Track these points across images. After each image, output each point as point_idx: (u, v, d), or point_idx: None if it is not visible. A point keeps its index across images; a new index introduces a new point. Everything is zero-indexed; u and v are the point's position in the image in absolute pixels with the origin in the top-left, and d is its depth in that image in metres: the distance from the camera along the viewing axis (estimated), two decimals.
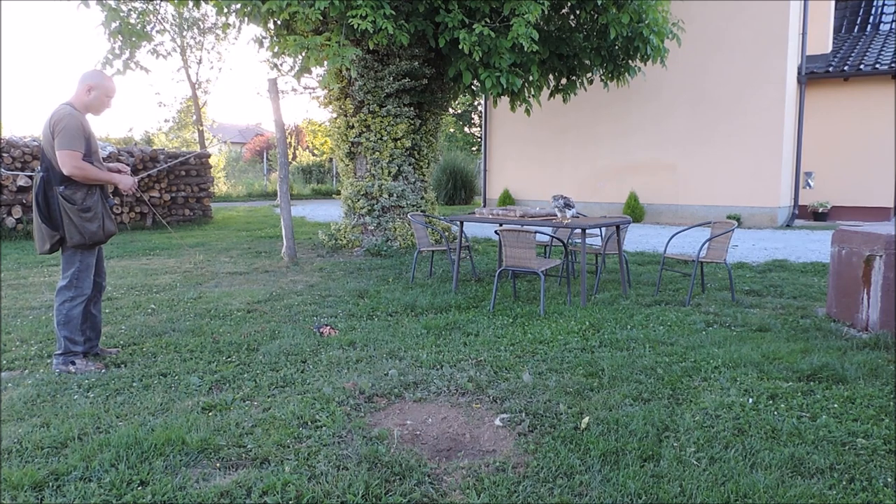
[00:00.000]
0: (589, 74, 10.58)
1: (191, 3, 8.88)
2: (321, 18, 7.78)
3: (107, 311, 5.60)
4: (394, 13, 7.49)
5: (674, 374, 3.92)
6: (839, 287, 5.15)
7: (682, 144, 14.15)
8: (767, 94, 13.08)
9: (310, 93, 10.98)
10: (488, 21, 8.22)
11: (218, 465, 2.79)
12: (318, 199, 23.29)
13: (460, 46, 7.70)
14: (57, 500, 2.50)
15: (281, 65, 10.20)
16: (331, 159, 26.58)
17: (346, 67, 7.56)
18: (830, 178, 14.58)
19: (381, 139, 9.34)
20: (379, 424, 3.24)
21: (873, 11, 17.36)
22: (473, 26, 7.68)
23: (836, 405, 3.42)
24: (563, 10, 9.67)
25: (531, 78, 9.35)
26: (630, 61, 10.07)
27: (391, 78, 9.08)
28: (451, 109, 17.71)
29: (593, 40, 9.66)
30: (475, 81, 9.26)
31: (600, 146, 15.17)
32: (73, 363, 4.03)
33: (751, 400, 3.50)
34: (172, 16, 22.45)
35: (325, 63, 7.57)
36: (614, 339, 4.72)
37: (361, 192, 9.45)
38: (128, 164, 12.31)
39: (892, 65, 13.72)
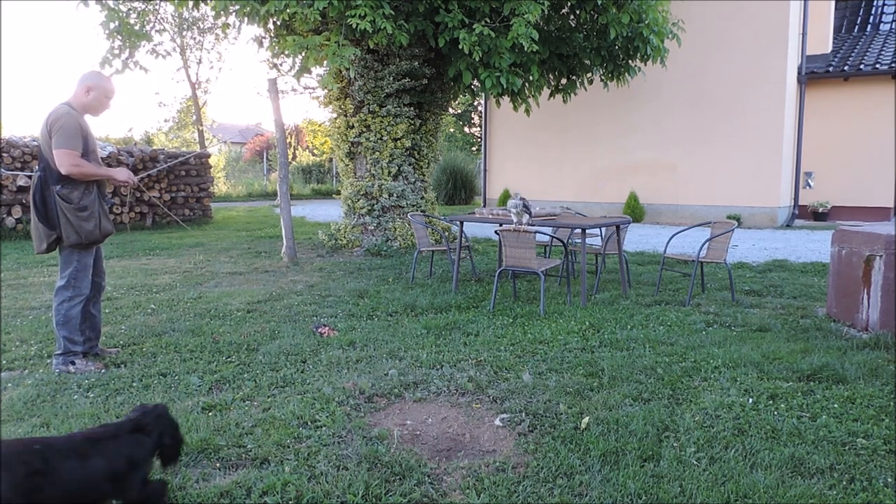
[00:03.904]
0: (589, 74, 10.58)
1: (190, 4, 8.87)
2: (320, 18, 7.78)
3: (107, 311, 5.60)
4: (393, 13, 7.49)
5: (674, 374, 3.92)
6: (839, 287, 5.15)
7: (682, 144, 14.15)
8: (767, 94, 13.08)
9: (310, 93, 10.99)
10: (488, 21, 8.22)
11: (218, 465, 2.79)
12: (318, 199, 23.29)
13: (460, 46, 7.70)
14: None
15: (281, 65, 10.20)
16: (331, 159, 26.58)
17: (345, 67, 7.56)
18: (830, 178, 14.58)
19: (381, 139, 9.33)
20: (379, 424, 3.24)
21: (873, 11, 17.37)
22: (473, 26, 7.67)
23: (836, 405, 3.42)
24: (563, 10, 9.67)
25: (531, 78, 9.35)
26: (630, 61, 10.07)
27: (391, 78, 9.08)
28: (451, 109, 17.71)
29: (593, 40, 9.66)
30: (475, 81, 9.26)
31: (600, 146, 15.17)
32: (73, 363, 4.02)
33: (751, 400, 3.50)
34: (172, 16, 22.45)
35: (325, 63, 7.57)
36: (614, 339, 4.72)
37: (361, 192, 9.45)
38: (128, 164, 12.34)
39: (892, 65, 13.72)
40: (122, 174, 4.21)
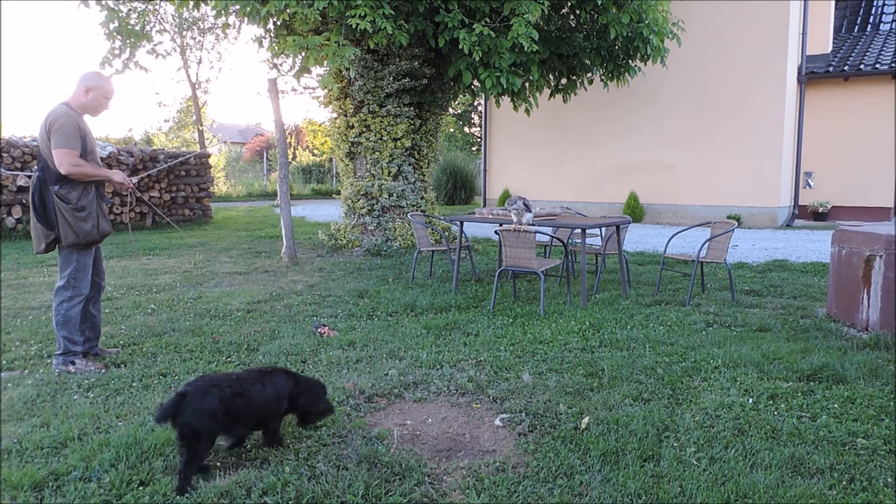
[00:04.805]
0: (589, 74, 10.58)
1: (191, 4, 8.87)
2: (320, 18, 7.78)
3: (107, 311, 5.60)
4: (393, 13, 7.49)
5: (674, 374, 3.92)
6: (839, 287, 5.15)
7: (682, 144, 14.15)
8: (767, 94, 13.08)
9: (310, 93, 11.00)
10: (488, 21, 8.22)
11: (218, 465, 2.79)
12: (318, 199, 23.29)
13: (460, 46, 7.70)
14: (57, 500, 2.50)
15: (281, 65, 10.21)
16: (331, 159, 26.58)
17: (345, 67, 7.56)
18: (830, 178, 14.58)
19: (381, 139, 9.34)
20: (379, 424, 3.24)
21: (873, 11, 17.36)
22: (473, 26, 7.68)
23: (836, 405, 3.42)
24: (563, 10, 9.67)
25: (531, 78, 9.34)
26: (630, 61, 10.07)
27: (391, 78, 9.08)
28: (451, 109, 17.71)
29: (593, 40, 9.66)
30: (475, 81, 9.26)
31: (600, 146, 15.17)
32: (73, 363, 4.02)
33: (751, 400, 3.50)
34: (172, 16, 22.46)
35: (325, 63, 7.57)
36: (614, 339, 4.72)
37: (361, 192, 9.45)
38: (127, 164, 12.34)
39: (892, 65, 13.72)
40: (117, 176, 4.22)
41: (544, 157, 16.03)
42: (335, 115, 9.83)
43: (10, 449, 2.91)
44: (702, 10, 13.35)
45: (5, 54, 66.71)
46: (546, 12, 8.72)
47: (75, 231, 3.97)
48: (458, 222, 7.05)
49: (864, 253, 4.84)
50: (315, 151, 30.27)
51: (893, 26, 16.63)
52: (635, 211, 14.47)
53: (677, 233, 6.88)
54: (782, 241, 11.07)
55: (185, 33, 23.69)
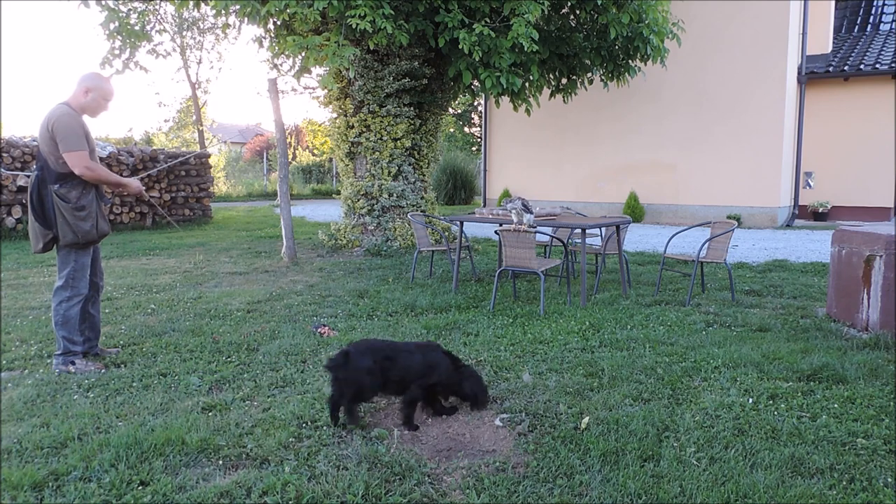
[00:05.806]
0: (589, 74, 10.58)
1: (191, 4, 8.87)
2: (320, 18, 7.78)
3: (107, 311, 5.60)
4: (393, 13, 7.49)
5: (674, 374, 3.92)
6: (839, 287, 5.15)
7: (682, 144, 14.15)
8: (767, 94, 13.08)
9: (310, 93, 11.00)
10: (488, 21, 8.22)
11: (218, 464, 2.79)
12: (318, 199, 23.29)
13: (460, 46, 7.70)
14: (57, 500, 2.50)
15: (281, 65, 10.21)
16: (331, 159, 26.58)
17: (345, 67, 7.56)
18: (830, 178, 14.58)
19: (381, 139, 9.34)
20: (379, 424, 3.24)
21: (873, 11, 17.37)
22: (473, 26, 7.68)
23: (836, 405, 3.42)
24: (563, 10, 9.68)
25: (531, 78, 9.34)
26: (630, 61, 10.07)
27: (391, 78, 9.08)
28: (451, 109, 17.71)
29: (593, 40, 9.66)
30: (475, 81, 9.26)
31: (600, 146, 15.17)
32: (73, 363, 4.02)
33: (751, 400, 3.50)
34: (172, 16, 22.46)
35: (325, 63, 7.57)
36: (614, 339, 4.72)
37: (361, 192, 9.45)
38: (127, 164, 12.33)
39: (892, 65, 13.72)
40: (133, 187, 4.28)
41: (544, 157, 16.03)
42: (335, 115, 9.83)
43: (10, 449, 2.91)
44: (702, 10, 13.35)
45: (5, 54, 66.70)
46: (546, 12, 8.72)
47: (74, 230, 3.96)
48: (458, 222, 7.05)
49: (864, 253, 4.84)
50: (315, 151, 30.28)
51: (893, 26, 16.63)
52: (635, 211, 14.47)
53: (677, 233, 6.88)
54: (782, 241, 11.07)
55: (185, 33, 23.69)
